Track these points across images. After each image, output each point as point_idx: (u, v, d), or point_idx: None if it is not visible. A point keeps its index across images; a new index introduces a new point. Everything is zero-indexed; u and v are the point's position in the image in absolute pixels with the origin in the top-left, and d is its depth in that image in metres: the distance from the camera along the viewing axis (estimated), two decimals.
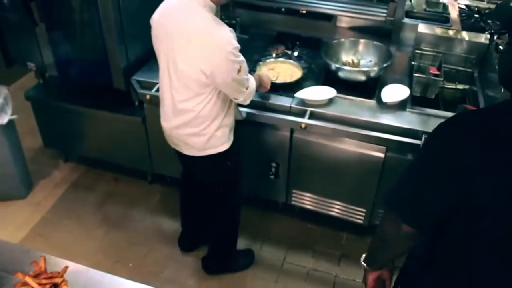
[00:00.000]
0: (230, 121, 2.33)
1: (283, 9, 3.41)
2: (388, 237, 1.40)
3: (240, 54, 2.07)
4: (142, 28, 2.30)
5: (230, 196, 2.62)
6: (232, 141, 2.38)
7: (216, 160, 2.36)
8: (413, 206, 1.30)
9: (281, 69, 2.88)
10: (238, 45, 2.05)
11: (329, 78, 2.83)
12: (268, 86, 2.58)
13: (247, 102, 2.27)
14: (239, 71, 2.06)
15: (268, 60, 2.94)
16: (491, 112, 1.22)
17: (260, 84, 2.52)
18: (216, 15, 2.09)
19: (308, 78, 2.85)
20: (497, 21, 1.33)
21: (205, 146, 2.30)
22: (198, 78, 2.07)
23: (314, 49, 3.14)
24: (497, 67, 1.28)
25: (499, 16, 1.33)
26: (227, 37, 2.01)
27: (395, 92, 2.65)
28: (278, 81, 2.74)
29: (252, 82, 2.26)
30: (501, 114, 1.18)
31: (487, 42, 2.87)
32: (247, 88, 2.18)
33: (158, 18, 2.16)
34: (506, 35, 1.28)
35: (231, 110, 2.33)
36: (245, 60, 2.12)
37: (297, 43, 3.20)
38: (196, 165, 2.44)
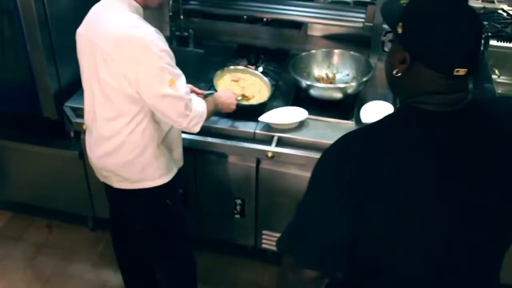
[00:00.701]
0: (171, 149, 2.32)
1: (244, 17, 3.45)
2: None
3: (173, 64, 2.07)
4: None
5: (174, 245, 2.56)
6: (175, 174, 2.36)
7: (154, 196, 2.34)
8: (312, 244, 1.35)
9: (248, 82, 2.86)
10: (168, 49, 2.05)
11: (299, 97, 2.83)
12: (233, 106, 2.53)
13: (196, 130, 2.21)
14: (171, 83, 2.04)
15: (232, 67, 2.93)
16: (379, 123, 1.36)
17: (219, 106, 2.48)
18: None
19: (275, 98, 2.85)
20: (384, 20, 1.45)
21: (139, 177, 2.27)
22: (121, 88, 2.06)
23: (282, 63, 3.14)
24: (384, 69, 1.44)
25: (385, 15, 1.44)
26: (151, 35, 2.01)
27: (377, 111, 2.61)
28: (245, 102, 2.71)
29: (198, 104, 2.21)
30: (388, 124, 1.34)
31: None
32: (191, 111, 2.15)
33: (81, 30, 2.18)
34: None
35: (174, 135, 2.32)
36: (182, 75, 2.11)
37: (262, 56, 3.20)
38: (128, 202, 2.40)
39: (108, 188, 2.41)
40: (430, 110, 1.31)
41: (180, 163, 2.45)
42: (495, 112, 1.39)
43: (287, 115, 2.66)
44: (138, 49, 1.99)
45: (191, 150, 2.65)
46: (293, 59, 2.94)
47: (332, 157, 1.36)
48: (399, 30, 1.32)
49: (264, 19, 3.43)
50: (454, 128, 1.30)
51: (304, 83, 2.74)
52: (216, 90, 2.67)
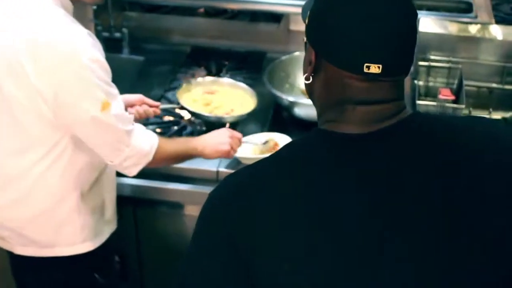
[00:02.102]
0: (101, 202, 2.31)
1: (201, 9, 3.44)
2: None
3: (109, 80, 2.06)
4: None
5: None
6: (107, 238, 2.35)
7: (74, 268, 2.30)
8: None
9: (226, 96, 2.87)
10: (103, 60, 2.04)
11: (280, 118, 2.86)
12: (225, 150, 2.46)
13: (132, 172, 2.21)
14: (104, 106, 2.02)
15: (202, 80, 2.97)
16: (278, 157, 1.41)
17: (198, 151, 2.42)
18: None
19: (246, 121, 2.85)
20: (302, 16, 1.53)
21: (52, 239, 2.23)
22: (35, 107, 2.02)
23: (255, 72, 3.14)
24: None
25: (304, 18, 1.50)
26: (81, 40, 2.00)
27: None
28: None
29: (144, 138, 2.19)
30: (292, 154, 1.39)
31: None
32: (128, 146, 2.13)
33: None
34: None
35: (107, 181, 2.31)
36: (118, 95, 2.10)
37: (226, 63, 3.24)
38: (37, 276, 2.35)
39: (10, 255, 2.36)
40: (347, 133, 1.33)
41: (113, 225, 2.43)
42: (447, 129, 1.40)
43: (262, 144, 2.65)
44: (61, 58, 1.98)
45: (130, 200, 2.65)
46: (270, 65, 2.98)
47: (211, 207, 1.39)
48: (306, 21, 1.38)
49: (229, 11, 3.43)
50: (382, 157, 1.32)
51: (286, 99, 2.74)
52: (178, 103, 2.71)
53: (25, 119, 2.07)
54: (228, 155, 2.48)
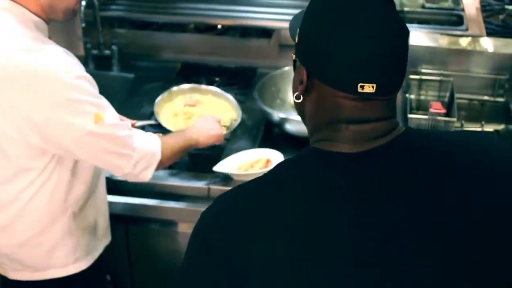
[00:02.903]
0: (93, 220, 2.30)
1: (191, 26, 3.44)
2: None
3: (96, 92, 2.06)
4: None
5: None
6: (100, 254, 2.34)
7: None
8: None
9: (208, 108, 2.85)
10: (86, 74, 2.04)
11: (271, 134, 2.86)
12: (218, 135, 2.50)
13: (147, 177, 2.19)
14: (98, 118, 2.01)
15: (184, 87, 2.97)
16: (271, 176, 1.38)
17: (194, 139, 2.43)
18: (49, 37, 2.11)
19: (236, 137, 2.85)
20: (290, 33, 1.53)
21: (44, 263, 2.22)
22: (23, 138, 2.02)
23: (245, 88, 3.14)
24: None
25: (291, 27, 1.53)
26: (58, 60, 1.99)
27: None
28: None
29: (145, 139, 2.18)
30: (283, 175, 1.37)
31: None
32: (134, 150, 2.12)
33: None
34: None
35: (98, 200, 2.31)
36: (109, 105, 2.09)
37: (216, 79, 3.24)
38: None
39: (4, 280, 2.34)
40: (341, 152, 1.32)
41: (106, 239, 2.42)
42: (441, 146, 1.40)
43: (253, 161, 2.65)
44: (44, 82, 1.97)
45: (122, 218, 2.63)
46: (261, 81, 2.98)
47: (202, 228, 1.38)
48: (296, 39, 1.37)
49: (219, 27, 3.43)
50: (376, 176, 1.30)
51: (277, 115, 2.75)
52: (156, 120, 2.72)
53: (13, 151, 2.07)
54: (220, 139, 2.52)
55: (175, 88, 2.96)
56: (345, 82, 1.28)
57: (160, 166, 2.22)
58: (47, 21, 2.08)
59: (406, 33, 1.35)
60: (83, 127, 2.00)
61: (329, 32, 1.29)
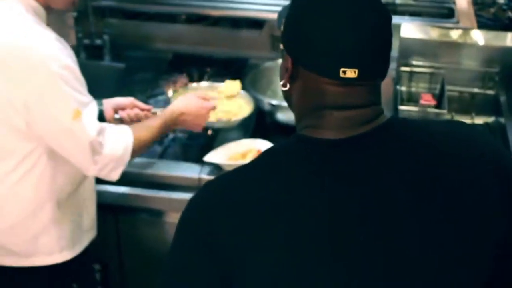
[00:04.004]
0: (79, 211, 2.30)
1: (182, 16, 3.43)
2: None
3: (80, 87, 2.06)
4: None
5: None
6: (85, 246, 2.34)
7: (52, 278, 2.28)
8: None
9: (221, 104, 2.86)
10: (74, 66, 2.04)
11: (262, 124, 2.87)
12: (200, 121, 2.50)
13: (114, 178, 2.20)
14: (76, 115, 2.01)
15: (198, 85, 2.96)
16: (255, 165, 1.40)
17: (174, 125, 2.46)
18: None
19: (227, 128, 2.86)
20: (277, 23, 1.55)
21: (30, 249, 2.22)
22: (6, 117, 2.03)
23: (237, 78, 3.08)
24: None
25: (279, 25, 1.51)
26: (49, 46, 1.99)
27: None
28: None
29: (116, 142, 2.17)
30: (267, 163, 1.38)
31: None
32: (100, 155, 2.12)
33: None
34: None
35: (85, 190, 2.30)
36: (92, 103, 2.09)
37: (208, 70, 3.25)
38: (17, 286, 2.33)
39: None
40: (326, 138, 1.34)
41: (92, 233, 2.41)
42: (425, 135, 1.41)
43: (244, 151, 2.65)
44: (29, 65, 1.97)
45: (111, 208, 2.63)
46: (253, 72, 3.00)
47: (189, 215, 1.38)
48: (281, 28, 1.38)
49: (210, 17, 3.42)
50: (361, 162, 1.32)
51: (267, 103, 2.77)
52: None
53: None
54: (206, 117, 2.51)
55: (194, 85, 2.97)
56: (328, 68, 1.29)
57: (131, 159, 2.22)
58: (46, 7, 2.08)
59: (388, 18, 1.36)
60: (60, 119, 2.02)
61: (311, 19, 1.30)
